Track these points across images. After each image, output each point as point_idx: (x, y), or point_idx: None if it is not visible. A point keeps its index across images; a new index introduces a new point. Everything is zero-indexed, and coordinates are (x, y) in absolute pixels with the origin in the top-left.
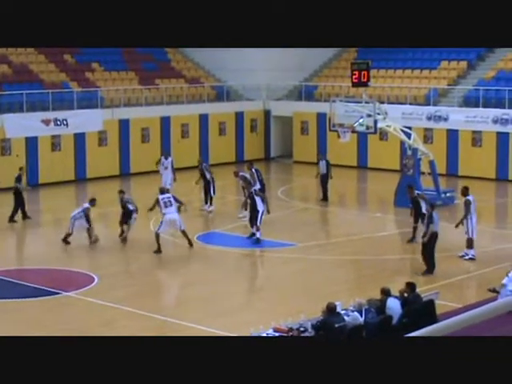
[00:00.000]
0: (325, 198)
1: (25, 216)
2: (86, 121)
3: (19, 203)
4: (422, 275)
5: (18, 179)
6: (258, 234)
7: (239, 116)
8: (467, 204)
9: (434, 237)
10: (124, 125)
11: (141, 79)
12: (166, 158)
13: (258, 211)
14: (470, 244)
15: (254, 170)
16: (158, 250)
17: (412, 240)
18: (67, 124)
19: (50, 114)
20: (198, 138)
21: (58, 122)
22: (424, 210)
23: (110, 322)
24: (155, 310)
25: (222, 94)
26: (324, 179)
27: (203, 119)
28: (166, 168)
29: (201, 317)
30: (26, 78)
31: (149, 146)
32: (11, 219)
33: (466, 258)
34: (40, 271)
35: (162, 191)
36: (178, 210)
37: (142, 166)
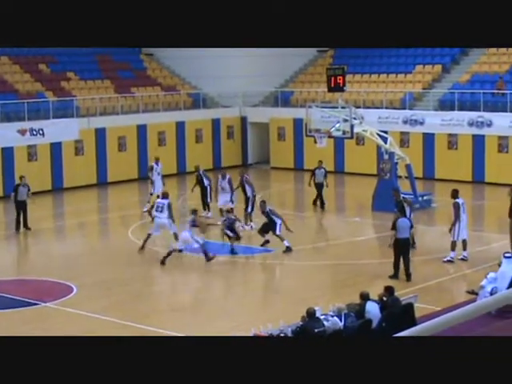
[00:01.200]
0: (322, 205)
1: (25, 225)
2: (62, 130)
3: (20, 212)
4: (389, 278)
5: (15, 189)
6: (286, 243)
7: (216, 123)
8: (456, 207)
9: (401, 244)
10: (100, 134)
11: (117, 88)
12: (158, 164)
13: (275, 223)
14: (452, 246)
15: (246, 177)
16: (141, 248)
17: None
18: (43, 134)
19: (26, 124)
20: (174, 145)
21: (34, 132)
22: (408, 215)
23: (89, 332)
24: (135, 319)
25: (198, 102)
26: (320, 187)
27: (180, 127)
28: (159, 174)
29: (181, 325)
30: (0, 89)
31: (126, 154)
32: (17, 228)
33: (445, 259)
34: (17, 282)
35: (164, 196)
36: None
37: (119, 174)
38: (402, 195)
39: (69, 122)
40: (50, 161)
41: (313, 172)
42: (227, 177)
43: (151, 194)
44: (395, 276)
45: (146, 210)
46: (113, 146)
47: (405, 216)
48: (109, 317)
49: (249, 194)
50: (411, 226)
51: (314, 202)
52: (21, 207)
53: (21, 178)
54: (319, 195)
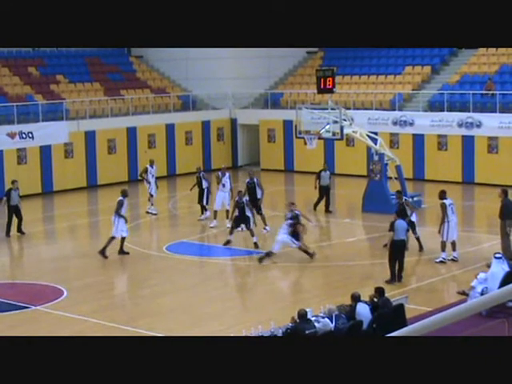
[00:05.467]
0: (327, 209)
1: (19, 229)
2: (52, 133)
3: (12, 216)
4: (386, 283)
5: (7, 193)
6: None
7: (205, 125)
8: (442, 207)
9: (397, 245)
10: (90, 136)
11: (106, 90)
12: (152, 166)
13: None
14: (442, 247)
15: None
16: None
17: (420, 249)
18: (33, 137)
19: (16, 128)
20: (164, 147)
21: (24, 135)
22: (409, 216)
23: (79, 334)
24: (126, 321)
25: (187, 104)
26: (326, 190)
27: (170, 129)
28: (153, 176)
29: (171, 327)
30: None
31: (115, 157)
32: (7, 233)
33: (437, 260)
34: (7, 285)
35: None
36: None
37: (109, 177)
38: (404, 198)
39: (58, 124)
40: (39, 164)
41: (318, 175)
42: (227, 173)
43: (151, 196)
44: (392, 281)
45: (154, 212)
46: (103, 148)
47: (404, 218)
48: (99, 319)
49: (259, 196)
50: (412, 228)
51: (315, 207)
52: (13, 212)
53: (13, 182)
54: (325, 198)
